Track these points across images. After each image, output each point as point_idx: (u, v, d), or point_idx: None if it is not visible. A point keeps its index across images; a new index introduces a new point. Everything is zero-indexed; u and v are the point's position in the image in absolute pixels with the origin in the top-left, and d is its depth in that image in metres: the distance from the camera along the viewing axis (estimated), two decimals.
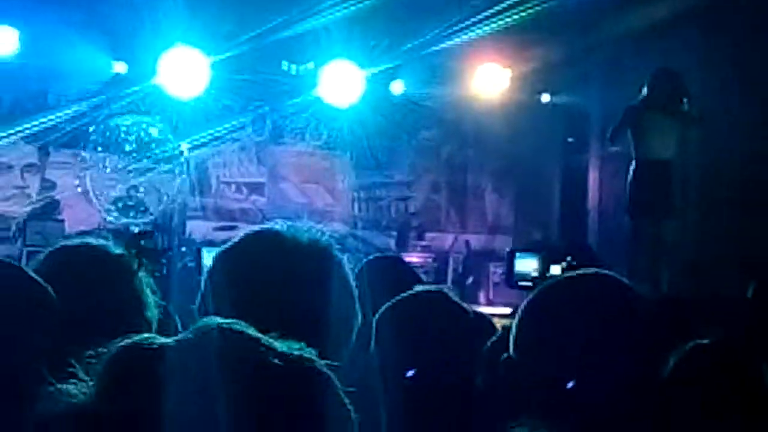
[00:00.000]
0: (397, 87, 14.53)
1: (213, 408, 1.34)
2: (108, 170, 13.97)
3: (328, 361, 1.55)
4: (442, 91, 14.72)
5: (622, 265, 12.03)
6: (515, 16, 12.11)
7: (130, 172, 14.03)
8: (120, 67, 13.07)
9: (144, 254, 2.62)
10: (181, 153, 14.13)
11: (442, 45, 13.15)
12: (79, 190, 13.83)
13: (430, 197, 16.48)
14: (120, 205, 13.80)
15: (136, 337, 1.46)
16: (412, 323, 3.23)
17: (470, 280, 15.40)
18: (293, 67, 13.90)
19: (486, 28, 12.70)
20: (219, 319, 1.49)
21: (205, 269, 2.48)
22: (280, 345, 1.49)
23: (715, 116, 11.49)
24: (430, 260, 15.23)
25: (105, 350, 1.45)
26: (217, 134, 14.30)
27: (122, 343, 1.45)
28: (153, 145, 14.04)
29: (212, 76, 12.92)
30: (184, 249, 13.64)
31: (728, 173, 11.35)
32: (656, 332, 2.21)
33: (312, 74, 13.83)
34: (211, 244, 13.44)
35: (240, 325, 1.48)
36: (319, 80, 13.74)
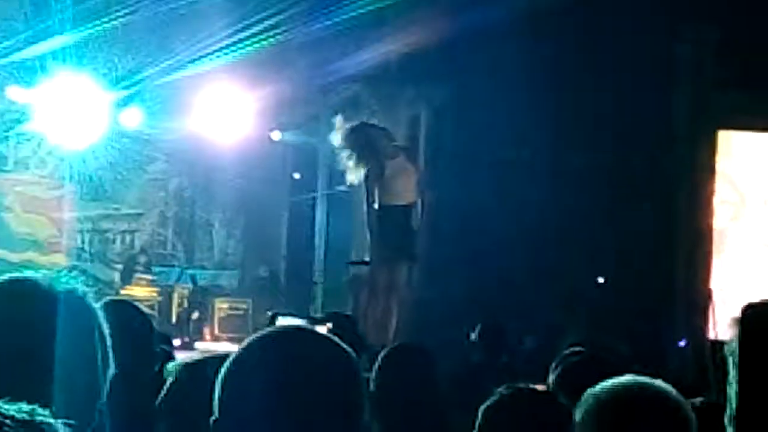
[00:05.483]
0: (129, 119, 14.32)
1: None
2: None
3: (69, 420, 1.56)
4: (173, 125, 14.61)
5: (346, 306, 12.20)
6: (250, 49, 12.16)
7: None
8: None
9: None
10: None
11: (176, 76, 13.07)
12: None
13: (157, 231, 16.32)
14: None
15: None
16: None
17: (196, 315, 15.28)
18: (21, 93, 13.51)
19: (220, 61, 12.71)
20: None
21: None
22: (9, 407, 1.49)
23: (442, 159, 11.86)
24: (155, 294, 15.02)
25: None
26: None
27: None
28: None
29: None
30: None
31: (452, 214, 11.70)
32: (359, 390, 2.17)
33: (41, 102, 13.46)
34: None
35: None
36: (47, 108, 13.38)
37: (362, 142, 10.34)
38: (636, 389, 2.78)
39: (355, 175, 10.37)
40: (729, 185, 11.81)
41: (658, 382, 2.82)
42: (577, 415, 2.81)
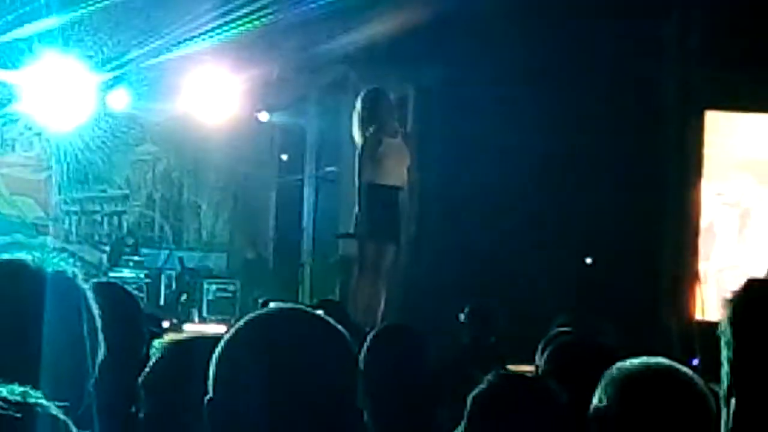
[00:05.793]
0: (116, 100, 14.25)
1: None
2: None
3: (61, 402, 1.56)
4: (161, 106, 14.56)
5: (334, 288, 12.21)
6: (237, 30, 12.12)
7: None
8: None
9: None
10: None
11: (163, 58, 13.02)
12: None
13: (144, 212, 16.29)
14: None
15: None
16: None
17: (184, 297, 15.27)
18: (7, 74, 13.44)
19: (207, 43, 12.66)
20: None
21: None
22: (1, 389, 1.49)
23: (430, 142, 11.84)
24: (142, 276, 15.01)
25: None
26: None
27: None
28: None
29: None
30: None
31: (439, 195, 11.71)
32: (351, 367, 2.17)
33: (27, 84, 13.39)
34: None
35: None
36: (34, 89, 13.31)
37: (370, 107, 10.40)
38: (666, 371, 2.78)
39: (356, 137, 10.44)
40: (750, 171, 11.89)
41: (683, 367, 2.82)
42: (600, 395, 2.80)
